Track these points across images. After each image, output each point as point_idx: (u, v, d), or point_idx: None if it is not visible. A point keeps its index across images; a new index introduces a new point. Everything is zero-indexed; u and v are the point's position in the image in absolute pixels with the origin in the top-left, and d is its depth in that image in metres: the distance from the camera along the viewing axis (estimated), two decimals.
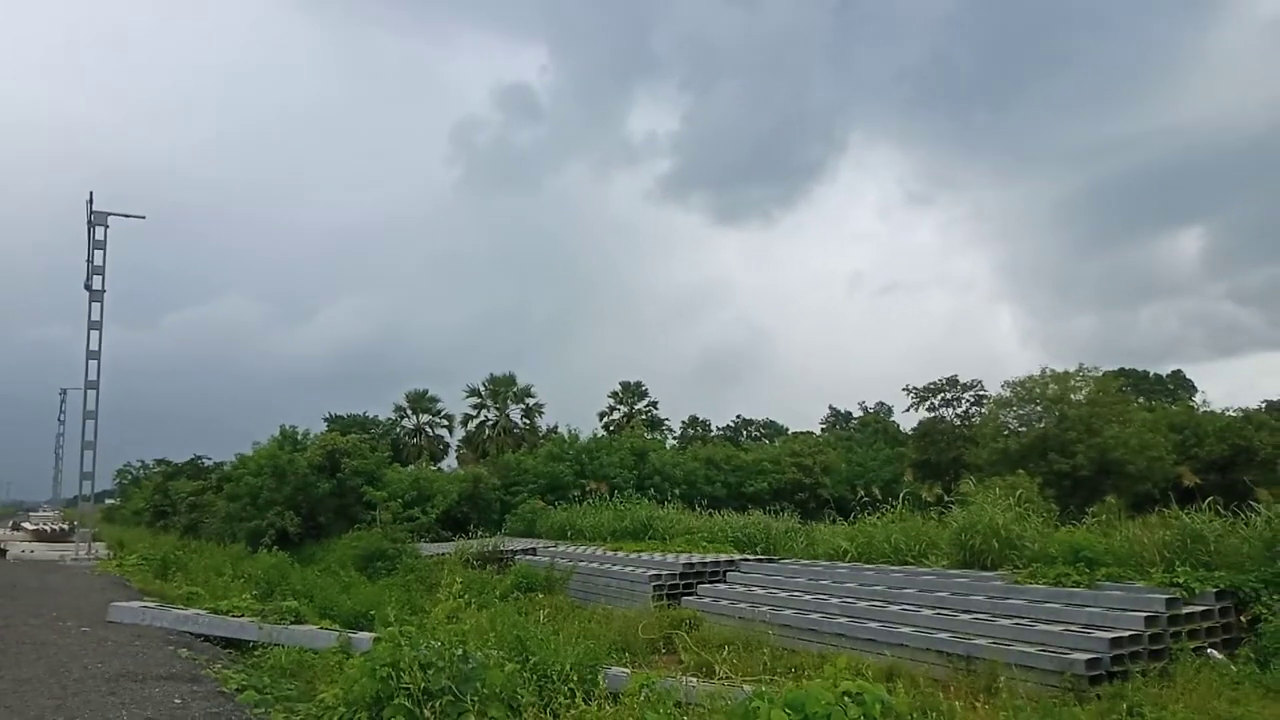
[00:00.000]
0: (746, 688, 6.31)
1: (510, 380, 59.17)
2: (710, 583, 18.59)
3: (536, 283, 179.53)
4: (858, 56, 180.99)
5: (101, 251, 24.34)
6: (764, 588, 17.17)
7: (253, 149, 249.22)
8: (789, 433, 71.43)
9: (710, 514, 29.05)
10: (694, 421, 77.73)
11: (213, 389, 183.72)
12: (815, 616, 14.25)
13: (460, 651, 6.01)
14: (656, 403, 68.15)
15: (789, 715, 3.98)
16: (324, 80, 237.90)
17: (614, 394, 67.31)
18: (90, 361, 24.11)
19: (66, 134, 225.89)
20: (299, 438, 37.96)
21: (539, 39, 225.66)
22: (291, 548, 28.67)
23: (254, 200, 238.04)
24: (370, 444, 37.02)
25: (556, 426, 56.61)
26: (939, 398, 53.39)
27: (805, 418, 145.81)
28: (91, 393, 24.27)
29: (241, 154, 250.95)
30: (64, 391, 52.28)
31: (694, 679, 8.11)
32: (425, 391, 61.92)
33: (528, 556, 24.57)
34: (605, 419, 65.64)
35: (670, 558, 20.34)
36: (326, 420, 60.04)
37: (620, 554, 22.29)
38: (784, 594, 16.21)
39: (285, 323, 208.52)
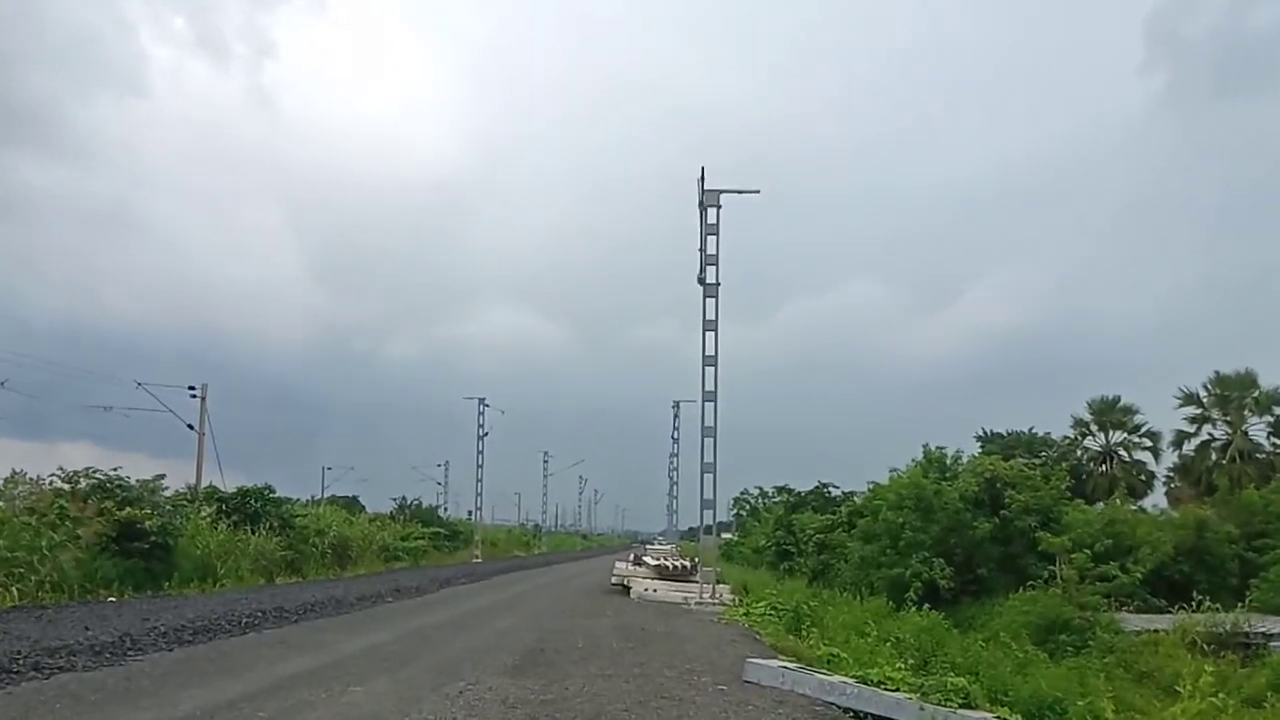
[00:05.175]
0: None
1: (1249, 381, 51.81)
2: None
3: None
4: None
5: (714, 237, 23.77)
6: None
7: (865, 104, 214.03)
8: None
9: None
10: None
11: (834, 397, 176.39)
12: None
13: None
14: None
15: None
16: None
17: None
18: (706, 369, 23.18)
19: (676, 99, 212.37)
20: (947, 462, 36.84)
21: None
22: (944, 605, 28.27)
23: (872, 162, 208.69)
24: (1043, 472, 34.82)
25: None
26: None
27: None
28: (709, 405, 23.44)
29: (855, 111, 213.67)
30: (677, 404, 55.53)
31: None
32: (1116, 399, 57.20)
33: None
34: None
35: None
36: (979, 438, 58.23)
37: None
38: None
39: (917, 310, 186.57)
